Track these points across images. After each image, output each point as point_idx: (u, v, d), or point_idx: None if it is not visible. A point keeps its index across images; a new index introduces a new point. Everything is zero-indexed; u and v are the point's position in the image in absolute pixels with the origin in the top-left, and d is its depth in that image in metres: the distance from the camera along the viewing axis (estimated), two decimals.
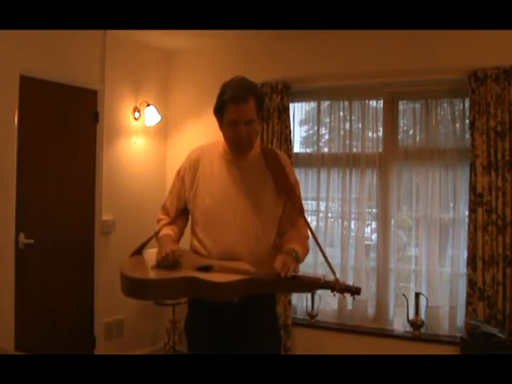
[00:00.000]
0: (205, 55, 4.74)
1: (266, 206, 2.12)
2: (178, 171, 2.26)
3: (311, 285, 2.02)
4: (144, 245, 2.23)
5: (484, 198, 3.67)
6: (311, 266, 4.22)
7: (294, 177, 2.23)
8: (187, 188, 2.19)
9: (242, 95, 2.05)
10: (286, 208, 2.16)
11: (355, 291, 1.93)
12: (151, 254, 2.15)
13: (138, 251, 2.21)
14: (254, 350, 2.04)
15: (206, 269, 1.98)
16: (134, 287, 1.96)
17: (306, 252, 2.20)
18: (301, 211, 2.17)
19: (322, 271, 4.31)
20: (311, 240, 2.21)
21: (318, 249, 2.20)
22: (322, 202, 4.43)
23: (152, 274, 2.03)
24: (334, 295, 1.95)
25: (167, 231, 2.20)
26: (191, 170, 2.19)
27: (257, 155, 2.18)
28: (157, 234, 2.23)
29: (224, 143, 2.18)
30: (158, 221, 2.30)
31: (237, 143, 2.10)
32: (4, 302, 3.54)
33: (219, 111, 2.11)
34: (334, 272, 2.02)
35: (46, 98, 3.89)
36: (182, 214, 2.26)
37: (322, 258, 2.18)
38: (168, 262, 2.00)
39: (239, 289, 1.90)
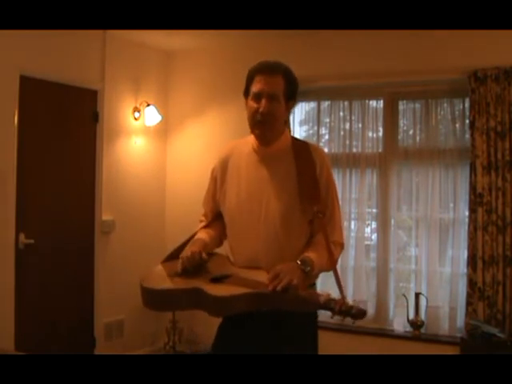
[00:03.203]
0: (205, 55, 4.73)
1: (291, 208, 1.93)
2: (212, 171, 2.13)
3: (308, 304, 1.73)
4: (180, 248, 2.07)
5: (484, 198, 3.67)
6: None
7: (326, 177, 1.99)
8: (218, 190, 2.08)
9: (269, 68, 1.96)
10: (317, 211, 1.92)
11: (355, 314, 1.64)
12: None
13: (174, 255, 2.07)
14: None
15: (221, 279, 1.87)
16: (144, 296, 1.90)
17: (329, 260, 1.87)
18: (330, 216, 1.97)
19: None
20: None
21: None
22: None
23: (160, 284, 1.90)
24: (332, 317, 1.68)
25: (201, 235, 2.09)
26: (222, 169, 2.07)
27: (286, 148, 2.02)
28: (193, 236, 2.10)
29: (253, 136, 2.05)
30: (200, 222, 2.20)
31: (256, 119, 1.94)
32: (4, 302, 3.54)
33: (246, 91, 2.01)
34: (341, 290, 1.77)
35: (46, 98, 3.89)
36: (220, 215, 2.11)
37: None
38: (191, 263, 1.89)
39: (240, 304, 1.74)
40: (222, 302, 1.76)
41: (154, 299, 1.90)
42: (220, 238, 2.15)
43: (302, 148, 2.03)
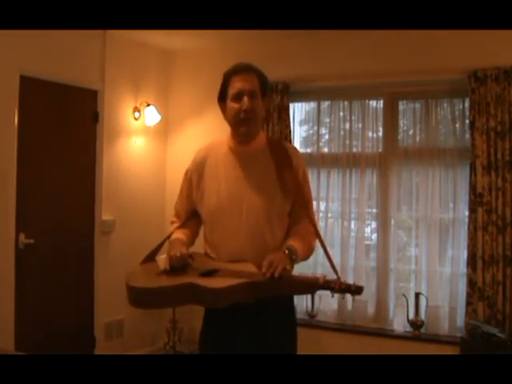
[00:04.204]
0: (205, 55, 4.74)
1: (272, 203, 2.02)
2: (186, 172, 2.20)
3: (309, 286, 1.91)
4: (156, 250, 2.16)
5: (484, 198, 3.67)
6: (311, 266, 4.21)
7: (302, 171, 2.12)
8: (194, 189, 2.13)
9: (243, 68, 2.05)
10: (296, 203, 2.06)
11: (355, 291, 1.82)
12: (161, 261, 2.06)
13: (151, 257, 2.14)
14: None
15: (210, 273, 1.91)
16: (135, 297, 1.94)
17: (309, 249, 2.09)
18: (307, 207, 2.08)
19: (321, 271, 4.32)
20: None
21: (318, 248, 2.15)
22: (322, 202, 4.42)
23: (151, 282, 1.95)
24: (333, 296, 1.85)
25: (178, 235, 2.14)
26: (198, 171, 2.13)
27: (262, 147, 2.10)
28: (168, 237, 2.17)
29: (229, 136, 2.13)
30: (171, 223, 2.25)
31: (240, 117, 2.01)
32: (4, 302, 3.54)
33: (222, 96, 2.08)
34: (335, 271, 1.93)
35: (46, 98, 3.89)
36: (194, 215, 2.18)
37: (321, 258, 2.14)
38: (180, 261, 1.94)
39: (238, 293, 1.82)
40: (223, 294, 1.82)
41: (145, 297, 1.95)
42: (193, 238, 2.22)
43: (277, 145, 2.15)
